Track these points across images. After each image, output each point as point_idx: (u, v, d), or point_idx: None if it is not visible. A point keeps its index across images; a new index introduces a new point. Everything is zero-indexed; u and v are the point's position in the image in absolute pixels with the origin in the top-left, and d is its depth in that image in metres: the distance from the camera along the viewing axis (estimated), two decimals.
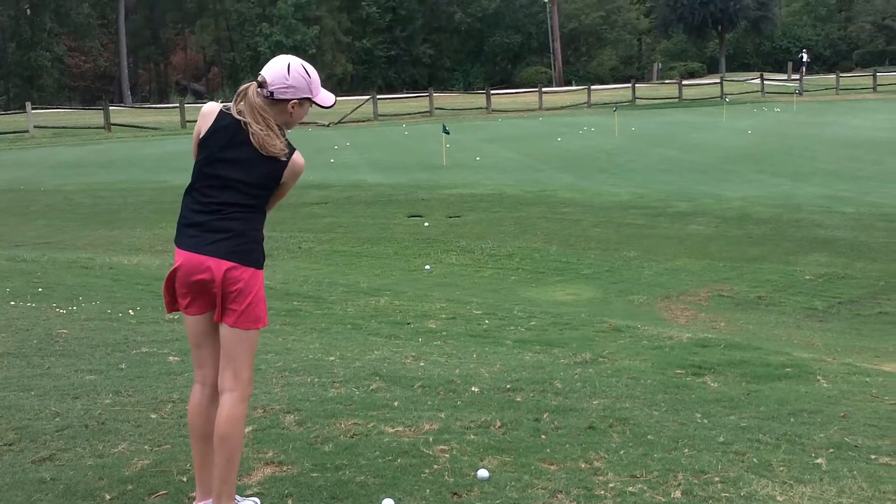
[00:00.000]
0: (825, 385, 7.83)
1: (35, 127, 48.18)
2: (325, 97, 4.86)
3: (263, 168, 4.64)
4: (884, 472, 5.72)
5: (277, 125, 4.68)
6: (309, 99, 4.77)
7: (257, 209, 4.73)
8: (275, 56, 4.85)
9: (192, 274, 4.69)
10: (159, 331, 9.37)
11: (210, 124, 4.71)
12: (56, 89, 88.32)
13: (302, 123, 5.10)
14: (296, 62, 4.74)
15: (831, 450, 6.07)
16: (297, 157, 4.72)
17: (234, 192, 4.66)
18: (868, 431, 6.49)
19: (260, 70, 4.80)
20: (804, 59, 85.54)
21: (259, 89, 4.67)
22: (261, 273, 4.74)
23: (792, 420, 6.69)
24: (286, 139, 4.71)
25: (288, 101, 4.69)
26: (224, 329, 4.72)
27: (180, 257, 4.72)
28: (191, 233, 4.71)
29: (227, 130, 4.67)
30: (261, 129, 4.62)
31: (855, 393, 7.58)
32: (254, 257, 4.70)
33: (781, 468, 5.70)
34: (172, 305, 4.86)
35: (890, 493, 5.38)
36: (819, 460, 5.85)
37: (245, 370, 4.76)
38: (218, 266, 4.63)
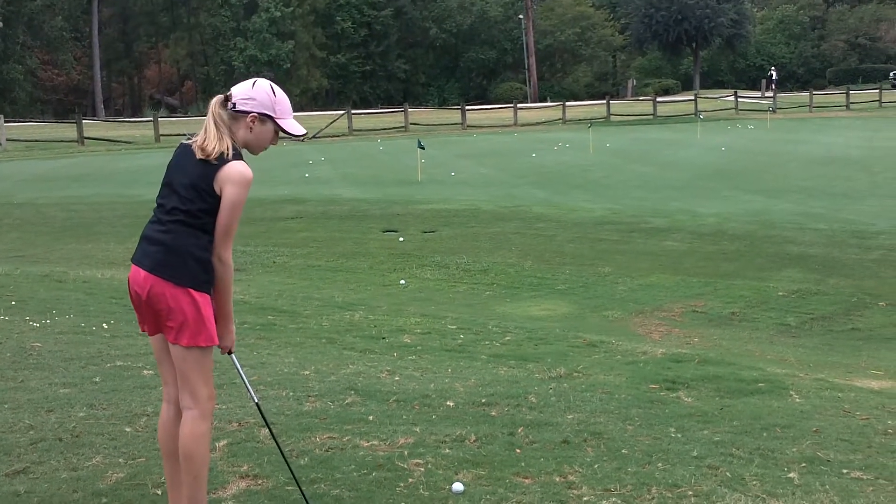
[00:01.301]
0: (798, 400, 7.87)
1: (7, 140, 47.94)
2: (293, 125, 4.81)
3: (196, 169, 4.58)
4: (855, 486, 5.76)
5: (234, 142, 4.65)
6: (272, 119, 4.73)
7: (198, 223, 4.59)
8: (249, 70, 4.87)
9: (133, 286, 4.72)
10: (133, 344, 9.34)
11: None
12: (29, 102, 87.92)
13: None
14: (264, 81, 4.78)
15: (804, 464, 6.11)
16: (236, 163, 4.58)
17: (175, 196, 4.63)
18: (840, 446, 6.53)
19: (235, 85, 4.82)
20: (773, 77, 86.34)
21: (224, 103, 4.69)
22: (193, 293, 4.58)
23: (765, 434, 6.73)
24: (236, 152, 4.65)
25: (248, 114, 4.69)
26: (170, 346, 4.69)
27: (130, 270, 4.76)
28: (139, 245, 4.75)
29: (183, 145, 4.73)
30: (203, 132, 4.63)
31: (827, 408, 7.63)
32: (184, 276, 4.57)
33: (754, 482, 5.73)
34: (141, 323, 4.85)
35: None
36: (791, 474, 5.89)
37: (201, 388, 4.70)
38: (146, 280, 4.61)
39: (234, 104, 4.67)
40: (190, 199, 4.57)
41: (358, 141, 51.37)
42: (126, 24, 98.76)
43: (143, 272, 4.62)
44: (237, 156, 4.64)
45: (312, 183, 29.56)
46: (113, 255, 18.32)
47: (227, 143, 4.60)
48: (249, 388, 5.16)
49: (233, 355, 4.98)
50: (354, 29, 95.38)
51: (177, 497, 4.88)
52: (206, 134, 4.62)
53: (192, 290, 4.58)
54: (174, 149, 4.80)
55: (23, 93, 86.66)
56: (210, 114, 4.67)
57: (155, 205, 4.76)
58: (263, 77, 4.88)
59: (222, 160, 4.57)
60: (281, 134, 4.81)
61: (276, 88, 4.78)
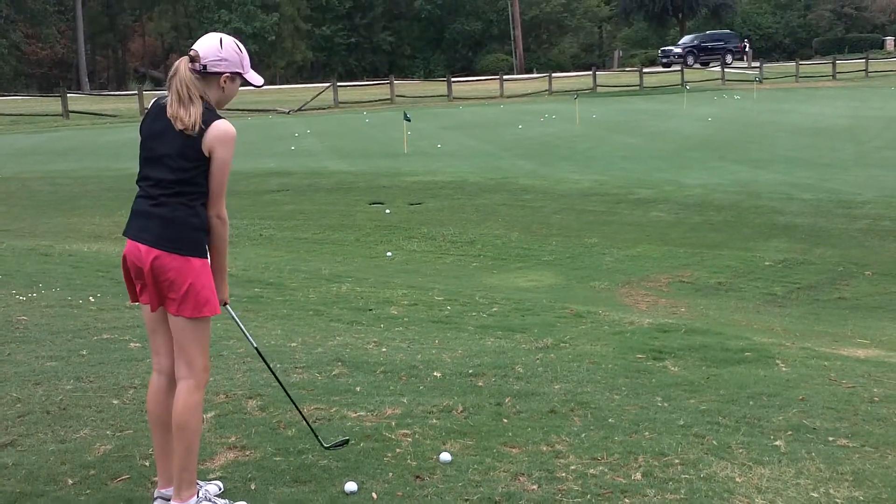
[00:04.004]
0: (784, 369, 7.91)
1: None
2: (255, 76, 4.87)
3: (178, 139, 4.58)
4: (841, 453, 5.80)
5: (205, 102, 4.64)
6: (240, 74, 4.78)
7: (189, 190, 4.61)
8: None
9: (133, 262, 4.71)
10: (120, 317, 9.33)
11: (146, 113, 4.79)
12: (13, 76, 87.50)
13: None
14: (228, 38, 4.78)
15: (790, 432, 6.14)
16: (219, 123, 4.60)
17: (163, 168, 4.63)
18: (826, 414, 6.57)
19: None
20: (746, 48, 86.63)
21: (191, 64, 4.66)
22: (197, 260, 4.63)
23: (751, 403, 6.76)
24: (212, 110, 4.65)
25: (220, 74, 4.69)
26: (170, 318, 4.71)
27: (126, 245, 4.74)
28: (132, 220, 4.74)
29: (154, 110, 4.73)
30: (176, 102, 4.60)
31: (813, 377, 7.66)
32: (185, 245, 4.61)
33: (740, 450, 5.76)
34: (133, 295, 4.85)
35: (847, 475, 5.45)
36: (778, 442, 5.92)
37: (198, 358, 4.73)
38: (148, 254, 4.61)
39: (205, 66, 4.66)
40: (181, 168, 4.58)
41: (344, 113, 51.22)
42: None
43: (143, 246, 4.62)
44: (214, 114, 4.65)
45: (298, 156, 29.50)
46: (99, 229, 18.27)
47: (199, 106, 4.59)
48: (247, 334, 5.26)
49: (228, 306, 5.05)
50: (339, 1, 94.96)
51: (167, 466, 4.89)
52: (180, 104, 4.59)
53: (193, 259, 4.61)
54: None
55: (7, 67, 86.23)
56: (179, 80, 4.62)
57: (139, 179, 4.76)
58: (219, 33, 4.85)
59: (204, 123, 4.56)
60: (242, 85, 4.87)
61: (239, 43, 4.82)
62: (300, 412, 5.45)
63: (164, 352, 4.85)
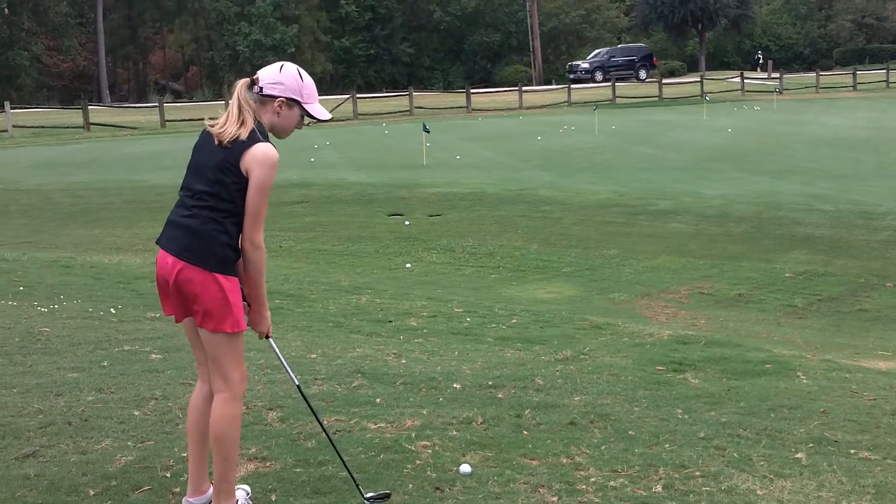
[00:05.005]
0: (805, 381, 7.88)
1: (14, 126, 47.94)
2: (319, 109, 4.84)
3: (219, 152, 4.59)
4: (863, 466, 5.78)
5: (258, 123, 4.65)
6: (298, 103, 4.74)
7: (223, 206, 4.59)
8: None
9: (159, 271, 4.72)
10: (141, 329, 9.37)
11: None
12: (34, 89, 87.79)
13: None
14: (291, 65, 4.78)
15: (811, 445, 6.12)
16: (261, 144, 4.58)
17: (201, 178, 4.63)
18: (847, 427, 6.54)
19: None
20: (759, 60, 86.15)
21: (251, 86, 4.69)
22: (221, 276, 4.59)
23: (772, 415, 6.74)
24: (262, 134, 4.63)
25: (275, 98, 4.69)
26: (200, 330, 4.71)
27: (158, 254, 4.76)
28: (165, 229, 4.75)
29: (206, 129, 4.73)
30: (225, 118, 4.63)
31: (834, 389, 7.64)
32: (210, 259, 4.58)
33: (762, 463, 5.75)
34: (165, 308, 4.85)
35: (869, 487, 5.43)
36: (799, 455, 5.90)
37: (232, 370, 4.72)
38: (174, 265, 4.61)
39: (261, 88, 4.68)
40: (217, 181, 4.57)
41: (363, 125, 51.33)
42: (131, 9, 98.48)
43: (170, 257, 4.63)
44: (263, 137, 4.63)
45: (318, 167, 29.55)
46: (120, 241, 18.35)
47: (249, 125, 4.59)
48: (290, 370, 5.19)
49: (270, 340, 5.01)
50: (359, 13, 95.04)
51: (196, 475, 4.92)
52: (228, 118, 4.63)
53: (218, 275, 4.59)
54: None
55: (28, 79, 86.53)
56: (235, 97, 4.65)
57: (181, 189, 4.77)
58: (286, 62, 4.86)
59: (247, 141, 4.56)
60: (306, 119, 4.83)
61: (303, 73, 4.80)
62: (336, 451, 5.31)
63: (204, 362, 4.86)
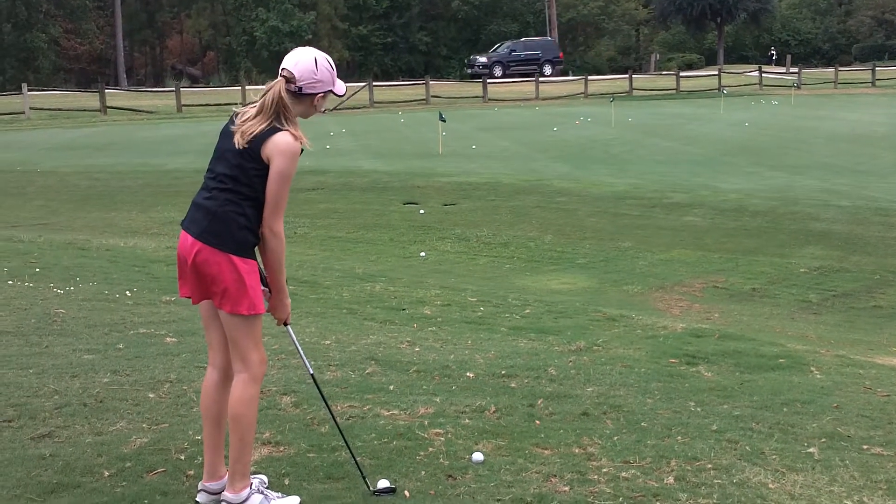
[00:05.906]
0: (818, 376, 7.88)
1: (31, 109, 48.01)
2: (340, 86, 4.91)
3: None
4: (875, 461, 5.78)
5: (290, 118, 4.69)
6: (332, 91, 4.83)
7: (243, 190, 4.63)
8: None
9: (180, 251, 4.77)
10: (156, 312, 9.41)
11: None
12: (52, 71, 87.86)
13: None
14: (321, 56, 4.80)
15: (823, 439, 6.12)
16: (283, 133, 4.62)
17: (223, 162, 4.69)
18: (860, 422, 6.54)
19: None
20: (773, 56, 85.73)
21: (287, 85, 4.69)
22: (237, 259, 4.63)
23: (785, 410, 6.74)
24: (283, 126, 4.65)
25: (315, 94, 4.74)
26: (219, 312, 4.74)
27: (180, 235, 4.80)
28: (189, 210, 4.80)
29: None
30: (252, 115, 4.66)
31: (848, 384, 7.63)
32: (227, 241, 4.62)
33: (774, 456, 5.75)
34: (181, 289, 4.89)
35: (881, 483, 5.43)
36: (811, 449, 5.91)
37: (251, 352, 4.75)
38: (193, 246, 4.66)
39: (300, 87, 4.70)
40: (238, 165, 4.61)
41: (379, 113, 51.31)
42: None
43: (190, 238, 4.68)
44: (290, 125, 4.67)
45: (333, 154, 29.55)
46: (136, 224, 18.39)
47: (267, 122, 4.62)
48: (305, 360, 5.23)
49: (288, 327, 5.04)
50: (376, 0, 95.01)
51: (212, 460, 4.94)
52: (255, 115, 4.66)
53: (234, 257, 4.62)
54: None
55: (46, 62, 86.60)
56: (271, 98, 4.66)
57: (206, 171, 4.82)
58: (310, 48, 4.85)
59: (263, 135, 4.59)
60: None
61: (329, 59, 4.83)
62: (347, 444, 5.32)
63: (217, 346, 4.89)
